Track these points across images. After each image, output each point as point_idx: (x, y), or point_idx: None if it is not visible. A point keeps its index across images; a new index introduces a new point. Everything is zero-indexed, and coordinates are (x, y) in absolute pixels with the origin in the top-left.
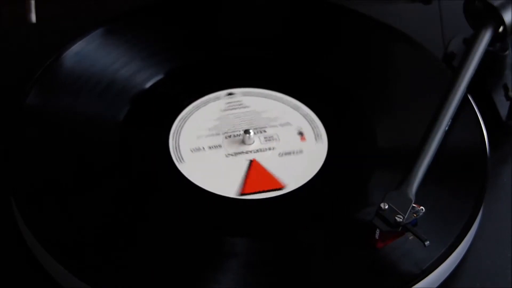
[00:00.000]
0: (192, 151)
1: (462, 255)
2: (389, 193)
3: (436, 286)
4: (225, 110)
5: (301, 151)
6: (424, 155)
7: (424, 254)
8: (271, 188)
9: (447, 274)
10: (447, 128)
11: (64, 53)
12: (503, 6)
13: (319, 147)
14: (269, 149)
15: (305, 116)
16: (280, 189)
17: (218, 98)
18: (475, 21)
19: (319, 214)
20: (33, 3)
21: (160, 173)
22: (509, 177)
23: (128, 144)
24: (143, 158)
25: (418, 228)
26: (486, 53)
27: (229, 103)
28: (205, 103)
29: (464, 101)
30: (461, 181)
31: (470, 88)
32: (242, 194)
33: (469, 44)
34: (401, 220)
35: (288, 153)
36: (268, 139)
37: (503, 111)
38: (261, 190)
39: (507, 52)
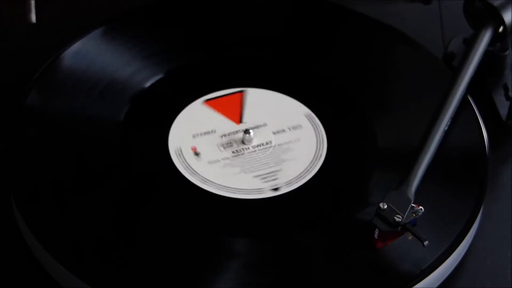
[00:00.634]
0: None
1: (462, 255)
2: (388, 193)
3: (436, 286)
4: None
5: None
6: (424, 155)
7: (424, 254)
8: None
9: (447, 274)
10: (447, 128)
11: (64, 53)
12: (503, 6)
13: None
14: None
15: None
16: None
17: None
18: (475, 21)
19: (319, 214)
20: (33, 3)
21: (160, 173)
22: (509, 177)
23: (128, 144)
24: (143, 158)
25: (417, 228)
26: (486, 53)
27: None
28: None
29: (464, 101)
30: (461, 181)
31: (470, 88)
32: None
33: (469, 44)
34: (400, 220)
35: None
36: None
37: (503, 111)
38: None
39: (507, 52)
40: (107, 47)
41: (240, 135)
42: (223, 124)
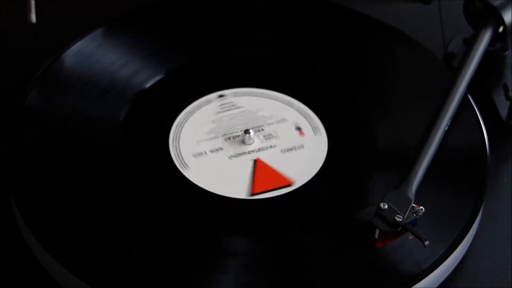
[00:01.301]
0: (194, 156)
1: (462, 255)
2: (388, 193)
3: (436, 286)
4: (219, 112)
5: (302, 146)
6: (424, 155)
7: (424, 254)
8: (280, 186)
9: (447, 274)
10: (447, 128)
11: (64, 53)
12: (503, 6)
13: (319, 145)
14: (270, 147)
15: (299, 111)
16: (289, 185)
17: (209, 101)
18: (475, 21)
19: (319, 214)
20: (33, 3)
21: (160, 173)
22: (509, 177)
23: (128, 144)
24: (143, 158)
25: (418, 228)
26: (486, 53)
27: (222, 105)
28: (198, 107)
29: (464, 101)
30: (461, 181)
31: (470, 88)
32: (253, 194)
33: (469, 44)
34: (400, 220)
35: (290, 149)
36: (268, 137)
37: (503, 111)
38: (270, 188)
39: (507, 52)
40: (107, 47)
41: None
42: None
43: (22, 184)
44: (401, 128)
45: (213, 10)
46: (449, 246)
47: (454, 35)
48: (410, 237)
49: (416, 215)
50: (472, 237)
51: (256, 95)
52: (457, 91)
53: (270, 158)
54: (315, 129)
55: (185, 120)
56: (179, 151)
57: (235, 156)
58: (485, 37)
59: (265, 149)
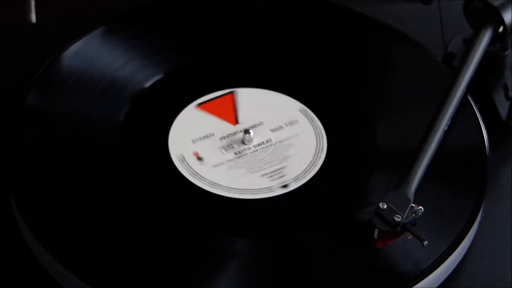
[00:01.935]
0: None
1: (462, 255)
2: (388, 193)
3: (436, 286)
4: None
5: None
6: (423, 155)
7: (424, 254)
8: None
9: (447, 274)
10: (446, 128)
11: (64, 53)
12: (503, 6)
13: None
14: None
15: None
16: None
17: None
18: (475, 21)
19: (319, 214)
20: (33, 3)
21: (160, 173)
22: (509, 177)
23: (128, 144)
24: (143, 158)
25: (417, 228)
26: (486, 53)
27: None
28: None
29: (464, 101)
30: (461, 181)
31: (470, 88)
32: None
33: (469, 44)
34: (400, 219)
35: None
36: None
37: (503, 111)
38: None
39: (507, 52)
40: (107, 47)
41: (240, 135)
42: (220, 126)
43: (22, 183)
44: (401, 128)
45: (213, 10)
46: (449, 246)
47: (454, 35)
48: (410, 237)
49: (416, 215)
50: (472, 237)
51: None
52: (457, 91)
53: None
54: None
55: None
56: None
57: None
58: (485, 37)
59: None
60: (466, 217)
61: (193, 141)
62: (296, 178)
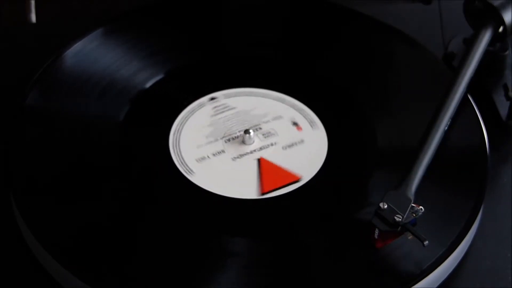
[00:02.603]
0: (198, 161)
1: (462, 255)
2: (388, 193)
3: (436, 286)
4: (213, 115)
5: (302, 141)
6: (423, 154)
7: (424, 254)
8: (288, 182)
9: (447, 274)
10: (446, 128)
11: (64, 53)
12: (503, 6)
13: (319, 145)
14: (271, 144)
15: (300, 111)
16: (297, 181)
17: (202, 105)
18: (475, 21)
19: (319, 214)
20: (33, 3)
21: (160, 173)
22: (509, 177)
23: (128, 144)
24: (143, 158)
25: (417, 228)
26: (486, 53)
27: (215, 107)
28: (192, 112)
29: (464, 101)
30: (461, 181)
31: (470, 88)
32: (263, 194)
33: (469, 44)
34: (400, 219)
35: (291, 145)
36: (266, 135)
37: (503, 111)
38: (280, 186)
39: (507, 52)
40: (107, 47)
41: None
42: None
43: (22, 184)
44: (401, 128)
45: (213, 10)
46: (449, 246)
47: (454, 35)
48: (410, 237)
49: (416, 215)
50: (472, 237)
51: (248, 94)
52: (457, 91)
53: (273, 156)
54: (314, 129)
55: (183, 124)
56: (181, 156)
57: (238, 158)
58: (485, 37)
59: (266, 147)
60: (466, 217)
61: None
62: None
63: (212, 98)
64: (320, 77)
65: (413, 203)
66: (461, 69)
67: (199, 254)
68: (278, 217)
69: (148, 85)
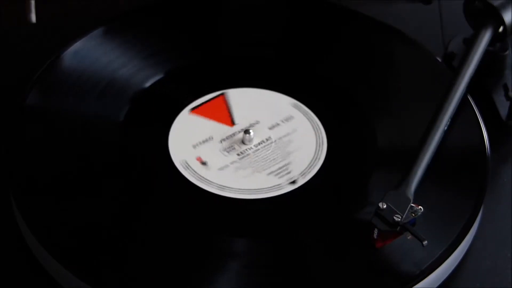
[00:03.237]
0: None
1: (462, 255)
2: (388, 193)
3: (436, 286)
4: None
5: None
6: (423, 154)
7: (424, 254)
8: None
9: (447, 274)
10: (446, 128)
11: (64, 53)
12: (503, 6)
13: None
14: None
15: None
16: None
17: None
18: (475, 21)
19: (319, 214)
20: (33, 3)
21: (160, 173)
22: (509, 177)
23: (128, 144)
24: (143, 158)
25: (417, 228)
26: (486, 53)
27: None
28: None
29: (464, 101)
30: (461, 181)
31: (470, 88)
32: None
33: (469, 44)
34: (399, 219)
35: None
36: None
37: (503, 111)
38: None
39: (507, 52)
40: (107, 47)
41: (239, 136)
42: (217, 128)
43: (22, 184)
44: (401, 128)
45: (213, 10)
46: (449, 246)
47: (454, 35)
48: (409, 237)
49: (415, 215)
50: (472, 237)
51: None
52: (457, 91)
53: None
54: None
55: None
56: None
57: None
58: (485, 37)
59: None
60: (466, 217)
61: (194, 146)
62: (303, 174)
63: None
64: (320, 77)
65: (412, 203)
66: (461, 69)
67: (199, 254)
68: (278, 217)
69: (148, 85)
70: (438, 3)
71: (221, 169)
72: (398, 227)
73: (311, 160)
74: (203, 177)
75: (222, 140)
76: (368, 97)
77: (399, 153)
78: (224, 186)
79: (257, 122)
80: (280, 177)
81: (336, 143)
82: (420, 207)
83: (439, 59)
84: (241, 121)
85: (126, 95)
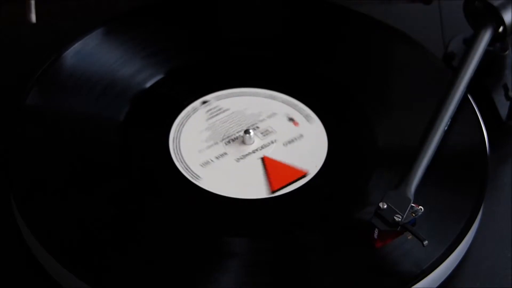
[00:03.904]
0: (202, 166)
1: (462, 255)
2: (388, 193)
3: (436, 286)
4: (208, 119)
5: (301, 136)
6: (423, 154)
7: (424, 254)
8: (296, 178)
9: (447, 274)
10: (446, 128)
11: (64, 53)
12: (503, 6)
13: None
14: (271, 142)
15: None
16: (304, 176)
17: (195, 109)
18: (475, 21)
19: (319, 214)
20: (33, 3)
21: (160, 173)
22: (509, 177)
23: (128, 144)
24: (143, 158)
25: (417, 228)
26: (486, 53)
27: (208, 111)
28: (187, 117)
29: (464, 101)
30: (461, 181)
31: (470, 88)
32: (274, 192)
33: (469, 44)
34: (399, 219)
35: (291, 141)
36: (265, 133)
37: (503, 111)
38: (288, 182)
39: (507, 52)
40: (107, 47)
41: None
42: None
43: (22, 184)
44: (401, 128)
45: (213, 10)
46: (449, 246)
47: (454, 35)
48: (409, 237)
49: (415, 215)
50: (472, 237)
51: (238, 94)
52: (457, 91)
53: (275, 153)
54: (311, 123)
55: (183, 125)
56: (181, 156)
57: (241, 158)
58: (485, 37)
59: (267, 145)
60: (466, 217)
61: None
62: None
63: (204, 102)
64: (320, 77)
65: (412, 203)
66: (461, 69)
67: (199, 255)
68: (278, 218)
69: (148, 85)
70: (438, 3)
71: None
72: (398, 227)
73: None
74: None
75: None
76: (368, 97)
77: (399, 153)
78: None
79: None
80: None
81: (336, 143)
82: (420, 207)
83: (439, 59)
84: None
85: (126, 95)
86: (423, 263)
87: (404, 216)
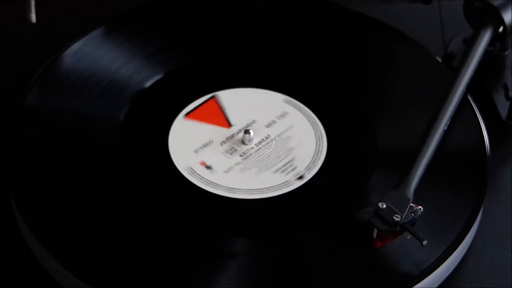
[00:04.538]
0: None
1: (462, 255)
2: (387, 193)
3: (436, 286)
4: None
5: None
6: (423, 154)
7: (424, 254)
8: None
9: (447, 274)
10: (446, 128)
11: (64, 53)
12: (503, 6)
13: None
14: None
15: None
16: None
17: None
18: (475, 21)
19: (319, 214)
20: (33, 3)
21: (160, 173)
22: (509, 177)
23: (128, 144)
24: (143, 158)
25: (417, 228)
26: (486, 53)
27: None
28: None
29: (464, 101)
30: (461, 181)
31: (470, 88)
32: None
33: (469, 44)
34: (399, 219)
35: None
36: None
37: (503, 111)
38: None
39: (507, 52)
40: (107, 47)
41: (238, 137)
42: (215, 131)
43: (22, 184)
44: (401, 128)
45: (213, 10)
46: (449, 246)
47: (454, 35)
48: (409, 237)
49: (415, 215)
50: (472, 237)
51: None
52: (457, 91)
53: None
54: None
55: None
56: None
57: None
58: (485, 37)
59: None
60: (466, 217)
61: (195, 151)
62: (308, 168)
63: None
64: (320, 77)
65: (412, 203)
66: (461, 69)
67: (199, 255)
68: (278, 217)
69: (148, 85)
70: (438, 3)
71: (226, 171)
72: (398, 227)
73: (314, 154)
74: (210, 181)
75: (222, 143)
76: (368, 97)
77: (399, 153)
78: (233, 188)
79: (254, 122)
80: (287, 173)
81: (336, 143)
82: (419, 207)
83: (439, 59)
84: (237, 122)
85: (126, 95)
86: (423, 263)
87: (404, 216)
